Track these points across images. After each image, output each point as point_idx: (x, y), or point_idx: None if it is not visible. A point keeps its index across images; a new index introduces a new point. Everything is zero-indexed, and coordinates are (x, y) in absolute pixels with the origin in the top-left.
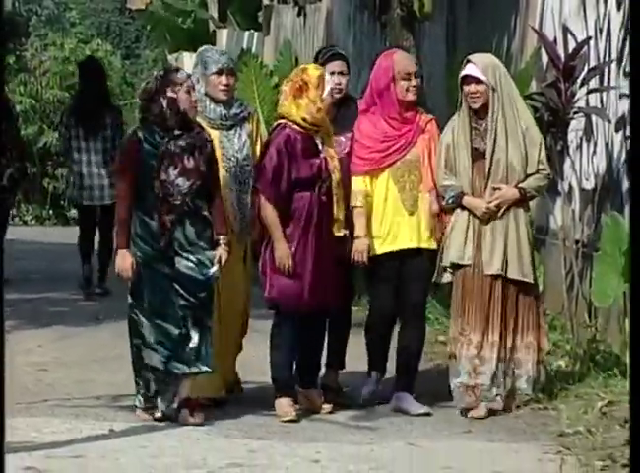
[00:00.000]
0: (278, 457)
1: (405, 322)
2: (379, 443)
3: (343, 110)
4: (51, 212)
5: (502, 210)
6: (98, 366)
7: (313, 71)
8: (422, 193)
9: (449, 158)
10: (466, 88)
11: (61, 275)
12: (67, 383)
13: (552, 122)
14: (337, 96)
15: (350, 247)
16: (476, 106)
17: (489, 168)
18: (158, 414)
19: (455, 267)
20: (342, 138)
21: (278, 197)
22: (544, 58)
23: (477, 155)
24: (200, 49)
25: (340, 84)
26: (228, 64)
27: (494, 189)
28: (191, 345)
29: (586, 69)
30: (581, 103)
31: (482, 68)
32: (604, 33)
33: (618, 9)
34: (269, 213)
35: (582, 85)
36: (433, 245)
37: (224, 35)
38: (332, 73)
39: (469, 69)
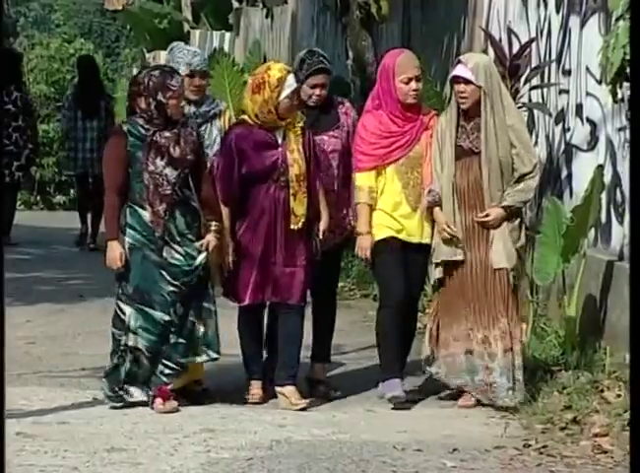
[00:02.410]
0: (247, 423)
1: None
2: (340, 409)
3: (323, 111)
4: (38, 198)
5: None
6: (82, 339)
7: (275, 72)
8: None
9: (438, 155)
10: (455, 87)
11: (48, 256)
12: (53, 356)
13: None
14: (313, 105)
15: (352, 242)
16: (465, 107)
17: (480, 169)
18: (130, 399)
19: (448, 264)
20: (324, 137)
21: (229, 192)
22: (492, 57)
23: (461, 152)
24: (172, 45)
25: (319, 96)
26: (201, 66)
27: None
28: (198, 334)
29: (529, 68)
30: (524, 99)
31: (472, 68)
32: (544, 34)
33: (557, 12)
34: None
35: (525, 82)
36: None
37: (197, 36)
38: (314, 86)
39: (458, 70)
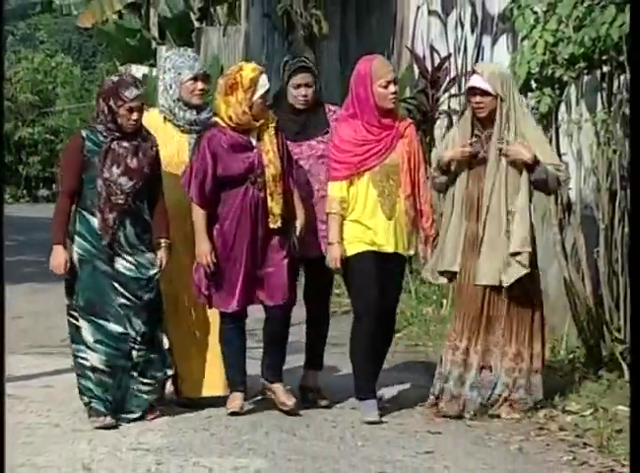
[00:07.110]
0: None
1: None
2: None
3: (312, 116)
4: (25, 192)
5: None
6: (63, 315)
7: (247, 72)
8: (401, 198)
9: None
10: (472, 99)
11: (32, 242)
12: (38, 329)
13: (422, 121)
14: (301, 107)
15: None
16: (482, 115)
17: (492, 177)
18: (108, 420)
19: (449, 274)
20: (313, 142)
21: (202, 195)
22: (416, 71)
23: (475, 161)
24: (170, 54)
25: (306, 96)
26: (203, 69)
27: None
28: (152, 354)
29: (448, 79)
30: (444, 106)
31: (488, 78)
32: (461, 51)
33: (472, 33)
34: (193, 211)
35: (445, 91)
36: (409, 252)
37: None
38: (298, 86)
39: (474, 80)
